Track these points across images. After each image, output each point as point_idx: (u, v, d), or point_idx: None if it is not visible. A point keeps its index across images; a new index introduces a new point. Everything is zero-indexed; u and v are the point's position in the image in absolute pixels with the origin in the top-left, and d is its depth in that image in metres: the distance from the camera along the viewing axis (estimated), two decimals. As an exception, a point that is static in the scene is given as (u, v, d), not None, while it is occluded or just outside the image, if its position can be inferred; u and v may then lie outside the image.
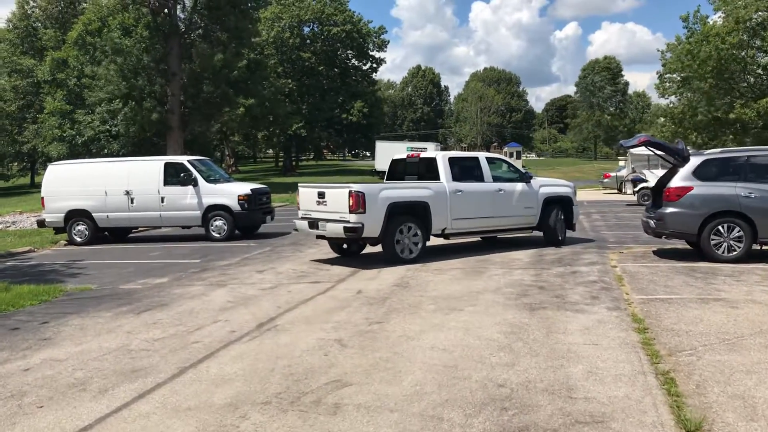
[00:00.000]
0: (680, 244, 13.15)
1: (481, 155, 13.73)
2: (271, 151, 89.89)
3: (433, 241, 12.84)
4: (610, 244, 14.30)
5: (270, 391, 5.32)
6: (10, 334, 7.51)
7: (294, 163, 72.24)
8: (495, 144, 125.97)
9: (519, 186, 13.55)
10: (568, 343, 6.46)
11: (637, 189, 28.07)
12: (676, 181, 11.48)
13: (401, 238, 11.97)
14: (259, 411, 4.87)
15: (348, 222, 11.46)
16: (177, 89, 39.78)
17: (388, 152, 54.32)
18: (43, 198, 17.24)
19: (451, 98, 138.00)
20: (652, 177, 26.56)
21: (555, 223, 13.86)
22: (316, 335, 7.03)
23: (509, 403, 4.89)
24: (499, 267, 11.33)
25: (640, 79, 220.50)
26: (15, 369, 6.15)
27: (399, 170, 13.99)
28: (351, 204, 11.45)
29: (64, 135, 44.88)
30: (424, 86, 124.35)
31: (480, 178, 13.09)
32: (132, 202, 16.54)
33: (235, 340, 6.95)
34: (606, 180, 39.74)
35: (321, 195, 12.11)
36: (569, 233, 14.80)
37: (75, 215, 16.77)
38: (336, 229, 11.57)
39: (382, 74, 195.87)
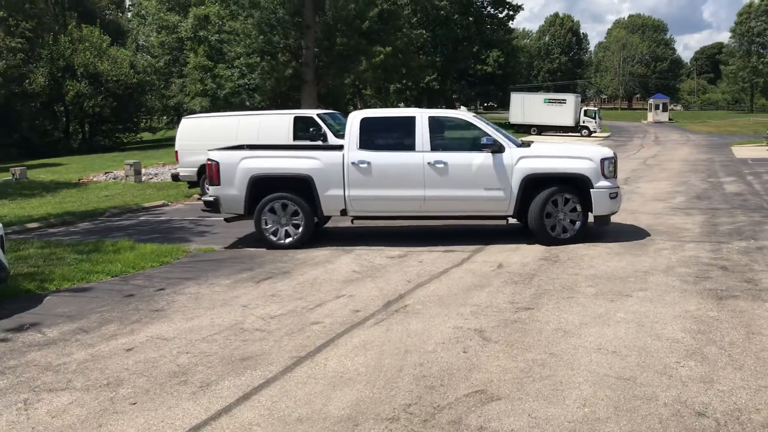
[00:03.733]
0: None
1: (421, 114, 9.81)
2: (402, 104, 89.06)
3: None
4: (797, 212, 12.06)
5: (398, 401, 4.31)
6: (123, 302, 7.01)
7: (426, 116, 70.94)
8: (638, 95, 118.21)
9: (476, 158, 9.45)
10: (782, 354, 4.97)
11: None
12: None
13: (273, 218, 9.75)
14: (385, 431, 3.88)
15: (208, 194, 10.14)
16: (311, 42, 39.50)
17: (523, 104, 51.79)
18: (176, 152, 17.20)
19: (591, 47, 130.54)
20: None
21: (542, 213, 9.32)
22: (452, 322, 5.95)
23: (720, 449, 3.58)
24: (666, 238, 9.66)
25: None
26: (119, 348, 5.55)
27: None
28: (208, 173, 10.03)
29: (206, 89, 46.16)
30: (563, 35, 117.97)
31: (410, 147, 9.63)
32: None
33: (358, 322, 6.01)
34: (773, 134, 35.38)
35: None
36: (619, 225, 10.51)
37: (207, 169, 16.61)
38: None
39: (518, 23, 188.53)
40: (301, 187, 9.69)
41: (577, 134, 47.65)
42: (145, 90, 49.32)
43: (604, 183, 9.36)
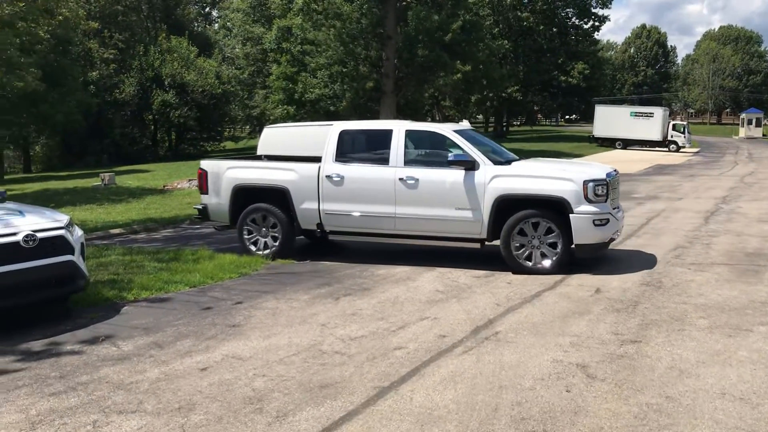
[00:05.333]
0: None
1: (399, 127, 9.26)
2: (481, 116, 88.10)
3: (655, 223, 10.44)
4: None
5: (494, 447, 3.81)
6: (200, 315, 6.77)
7: (504, 128, 69.86)
8: (727, 110, 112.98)
9: (448, 175, 8.69)
10: None
11: None
12: None
13: (254, 228, 9.76)
14: (481, 485, 3.39)
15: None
16: (392, 53, 39.42)
17: (608, 118, 50.00)
18: (257, 160, 17.23)
19: (679, 60, 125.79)
20: None
21: (509, 238, 8.42)
22: (551, 354, 5.38)
23: None
24: (782, 266, 8.76)
25: None
26: (193, 367, 5.26)
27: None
28: (198, 183, 10.23)
29: (292, 95, 46.78)
30: (649, 47, 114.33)
31: (383, 161, 9.12)
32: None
33: (445, 350, 5.53)
34: None
35: None
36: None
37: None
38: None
39: (602, 35, 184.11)
40: (279, 198, 9.58)
41: (664, 149, 45.70)
42: (229, 100, 50.43)
43: (586, 208, 8.19)
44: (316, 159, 10.56)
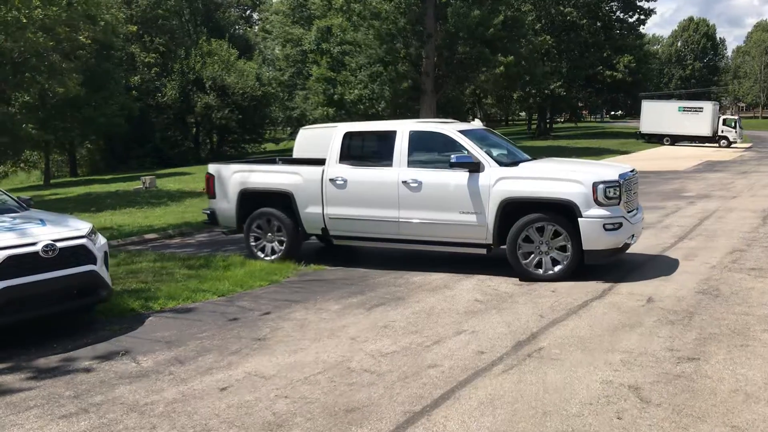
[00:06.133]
0: None
1: (403, 128, 8.90)
2: (523, 113, 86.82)
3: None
4: None
5: (537, 488, 3.37)
6: (225, 327, 6.46)
7: (548, 125, 68.60)
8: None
9: (452, 178, 8.30)
10: None
11: None
12: None
13: (260, 233, 9.59)
14: None
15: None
16: (431, 51, 38.90)
17: (655, 113, 48.55)
18: (294, 162, 17.00)
19: (728, 53, 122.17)
20: None
21: (515, 244, 7.93)
22: (600, 374, 4.90)
23: None
24: None
25: None
26: (213, 386, 4.93)
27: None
28: (206, 187, 10.12)
29: (332, 97, 46.68)
30: (697, 40, 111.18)
31: (387, 163, 8.77)
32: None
33: (483, 368, 5.09)
34: None
35: None
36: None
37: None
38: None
39: (647, 29, 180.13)
40: (285, 203, 9.37)
41: (715, 145, 44.16)
42: (270, 102, 50.58)
43: (596, 212, 7.66)
44: (270, 161, 10.71)
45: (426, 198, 8.49)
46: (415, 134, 8.89)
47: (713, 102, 51.46)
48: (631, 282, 7.73)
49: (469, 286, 7.79)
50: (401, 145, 8.74)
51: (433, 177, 8.50)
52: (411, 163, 8.67)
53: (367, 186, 8.87)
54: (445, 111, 43.01)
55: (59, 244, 6.14)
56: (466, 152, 8.33)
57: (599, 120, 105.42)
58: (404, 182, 8.58)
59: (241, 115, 44.43)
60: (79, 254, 6.34)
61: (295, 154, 16.78)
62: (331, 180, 9.02)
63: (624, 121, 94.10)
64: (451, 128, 8.86)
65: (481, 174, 8.19)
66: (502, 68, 41.12)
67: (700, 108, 47.21)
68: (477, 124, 10.34)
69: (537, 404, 4.40)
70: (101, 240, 6.84)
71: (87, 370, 5.38)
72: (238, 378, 5.08)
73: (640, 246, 9.85)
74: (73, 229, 6.52)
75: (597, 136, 55.22)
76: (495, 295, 7.35)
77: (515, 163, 8.56)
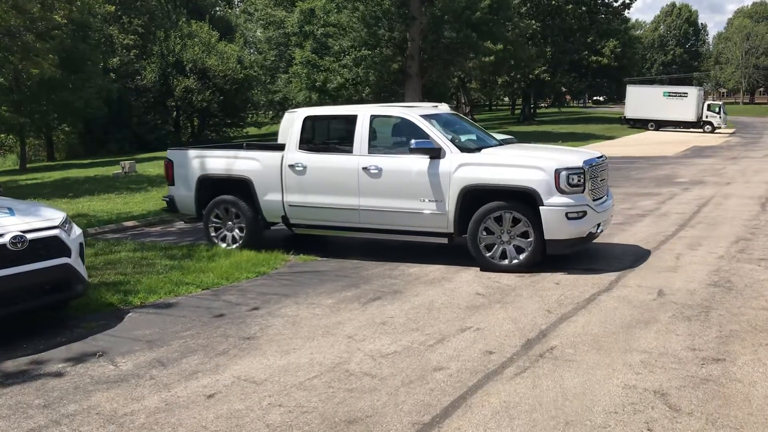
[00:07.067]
0: None
1: (364, 112, 8.51)
2: (507, 98, 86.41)
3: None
4: None
5: None
6: (211, 324, 6.01)
7: (532, 110, 68.31)
8: (761, 89, 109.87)
9: (413, 164, 7.97)
10: None
11: None
12: None
13: (219, 221, 9.28)
14: None
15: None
16: (417, 34, 38.32)
17: (640, 98, 48.41)
18: (279, 147, 16.46)
19: (710, 38, 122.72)
20: None
21: (476, 233, 7.61)
22: (621, 377, 4.52)
23: None
24: None
25: None
26: (199, 392, 4.49)
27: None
28: (165, 173, 9.80)
29: (314, 84, 45.93)
30: (679, 26, 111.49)
31: (347, 149, 8.45)
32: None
33: (494, 371, 4.70)
34: None
35: None
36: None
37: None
38: None
39: (630, 14, 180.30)
40: (244, 190, 9.00)
41: (699, 130, 44.17)
42: (252, 85, 49.70)
43: (558, 200, 7.32)
44: (236, 146, 10.39)
45: (386, 185, 8.15)
46: (376, 119, 8.56)
47: (698, 87, 51.43)
48: (637, 273, 7.38)
49: (469, 278, 7.39)
50: (362, 130, 8.38)
51: (394, 163, 8.17)
52: (372, 149, 8.34)
53: (326, 172, 8.53)
54: (430, 95, 42.47)
55: (29, 236, 5.64)
56: (426, 138, 7.98)
57: (582, 105, 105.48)
58: (364, 168, 8.23)
59: (222, 97, 43.57)
60: (51, 246, 5.83)
61: (280, 139, 16.30)
62: (291, 166, 8.67)
63: (606, 106, 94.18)
64: (412, 112, 8.47)
65: (441, 160, 7.85)
66: (492, 57, 40.68)
67: (684, 93, 47.17)
68: (444, 108, 9.94)
69: (557, 413, 4.01)
70: (76, 230, 6.34)
71: (59, 374, 4.91)
72: (226, 383, 4.64)
73: (642, 235, 9.53)
74: (45, 218, 6.01)
75: (581, 121, 55.08)
76: (497, 288, 6.95)
77: (478, 150, 8.19)
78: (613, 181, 16.31)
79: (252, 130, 56.46)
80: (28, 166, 34.77)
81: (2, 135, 36.74)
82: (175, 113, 45.78)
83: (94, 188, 18.64)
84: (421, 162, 7.93)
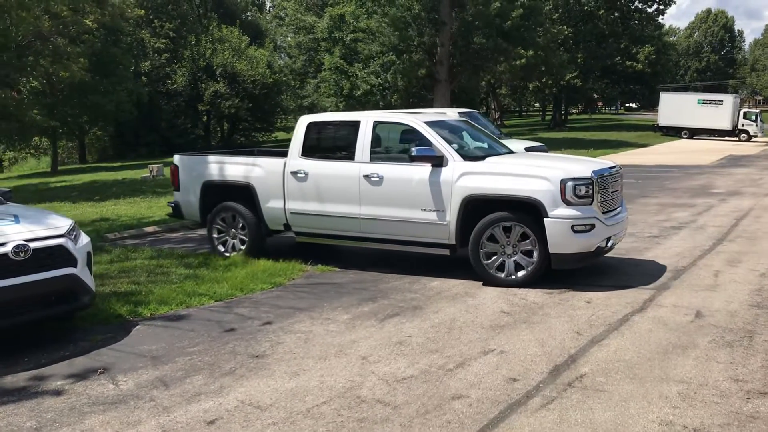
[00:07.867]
0: None
1: (367, 119, 8.24)
2: (537, 104, 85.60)
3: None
4: None
5: None
6: (220, 339, 5.74)
7: (563, 117, 67.40)
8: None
9: (414, 172, 7.66)
10: None
11: None
12: None
13: (223, 228, 9.11)
14: None
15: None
16: (446, 40, 37.98)
17: (674, 105, 47.39)
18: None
19: (746, 45, 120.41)
20: None
21: (477, 245, 7.28)
22: (657, 412, 4.12)
23: None
24: None
25: None
26: (199, 418, 4.21)
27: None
28: (171, 179, 9.78)
29: (342, 89, 45.83)
30: (714, 32, 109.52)
31: (349, 156, 8.17)
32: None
33: (518, 401, 4.33)
34: None
35: None
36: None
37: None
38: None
39: (664, 20, 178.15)
40: (246, 196, 8.87)
41: (734, 138, 43.04)
42: (281, 90, 49.77)
43: (563, 211, 6.94)
44: (248, 152, 10.17)
45: (387, 194, 7.88)
46: (379, 125, 8.30)
47: (734, 95, 50.27)
48: (673, 291, 6.93)
49: (494, 294, 7.02)
50: (364, 137, 8.13)
51: (395, 171, 7.89)
52: (374, 156, 8.09)
53: (328, 180, 8.32)
54: (459, 100, 42.12)
55: (33, 245, 5.43)
56: (428, 145, 7.67)
57: (614, 112, 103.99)
58: (366, 176, 7.97)
59: (251, 103, 43.64)
60: (56, 255, 5.62)
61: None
62: (293, 173, 8.49)
63: (639, 113, 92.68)
64: (416, 119, 8.15)
65: (443, 169, 7.53)
66: (523, 61, 40.12)
67: (720, 101, 46.04)
68: (452, 114, 9.59)
69: (586, 453, 3.64)
70: (84, 239, 6.12)
71: (57, 393, 4.67)
72: (229, 408, 4.35)
73: (677, 249, 9.06)
74: (51, 227, 5.80)
75: (613, 128, 54.13)
76: (523, 305, 6.58)
77: (482, 158, 7.83)
78: (647, 191, 15.79)
79: (281, 135, 56.55)
80: (59, 168, 35.15)
81: (36, 138, 37.15)
82: (205, 117, 46.02)
83: (120, 192, 18.65)
84: (423, 170, 7.64)
